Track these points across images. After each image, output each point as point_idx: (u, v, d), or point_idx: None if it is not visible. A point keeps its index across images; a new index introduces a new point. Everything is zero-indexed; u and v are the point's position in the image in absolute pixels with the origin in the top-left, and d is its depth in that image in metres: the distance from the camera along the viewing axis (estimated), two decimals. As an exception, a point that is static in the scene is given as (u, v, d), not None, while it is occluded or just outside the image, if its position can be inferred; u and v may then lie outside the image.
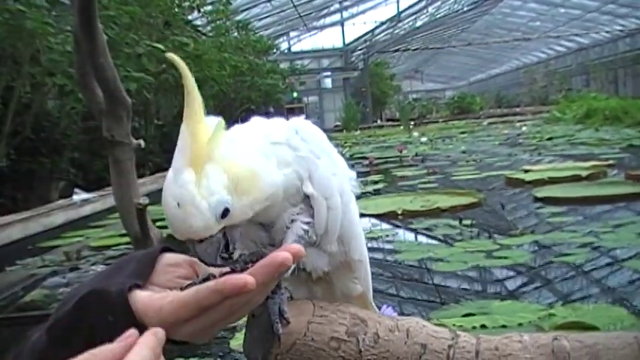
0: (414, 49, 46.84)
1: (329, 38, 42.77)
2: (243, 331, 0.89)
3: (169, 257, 0.84)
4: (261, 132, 0.87)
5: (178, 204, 0.75)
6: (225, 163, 0.77)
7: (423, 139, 19.41)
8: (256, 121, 0.91)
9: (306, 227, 0.88)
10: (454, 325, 3.31)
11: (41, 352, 0.75)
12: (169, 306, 0.71)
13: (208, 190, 0.75)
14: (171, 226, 0.77)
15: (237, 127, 0.87)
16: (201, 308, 0.69)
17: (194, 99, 0.77)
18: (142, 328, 0.71)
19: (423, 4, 39.88)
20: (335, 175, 0.92)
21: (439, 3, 40.46)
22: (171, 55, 0.80)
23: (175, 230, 0.77)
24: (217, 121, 0.79)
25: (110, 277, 0.78)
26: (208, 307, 0.69)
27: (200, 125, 0.77)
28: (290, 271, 0.84)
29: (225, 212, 0.76)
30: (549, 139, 16.01)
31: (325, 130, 0.98)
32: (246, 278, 0.66)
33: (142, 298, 0.73)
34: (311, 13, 36.84)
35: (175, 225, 0.76)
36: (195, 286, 0.72)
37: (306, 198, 0.89)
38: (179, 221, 0.75)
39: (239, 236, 0.82)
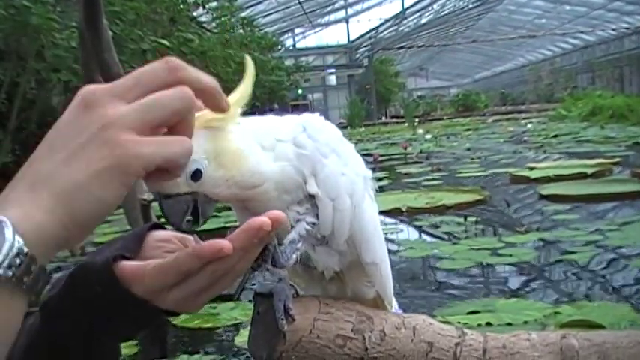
0: (419, 47, 46.85)
1: (334, 35, 42.88)
2: (248, 328, 0.88)
3: (159, 234, 0.86)
4: (269, 126, 0.85)
5: None
6: (218, 134, 0.76)
7: (428, 137, 19.36)
8: (270, 117, 0.88)
9: (309, 227, 0.85)
10: (459, 322, 3.31)
11: (37, 331, 0.78)
12: (152, 271, 0.72)
13: None
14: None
15: (253, 118, 0.85)
16: (181, 273, 0.71)
17: (243, 89, 0.78)
18: (129, 296, 0.73)
19: (428, 1, 39.84)
20: (344, 175, 0.87)
21: (444, 0, 40.40)
22: (247, 57, 0.81)
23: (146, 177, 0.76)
24: (237, 109, 0.78)
25: (98, 254, 0.80)
26: (188, 271, 0.70)
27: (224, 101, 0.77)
28: (298, 267, 0.83)
29: (197, 174, 0.75)
30: (554, 136, 15.98)
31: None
32: (222, 243, 0.68)
33: (126, 267, 0.75)
34: (316, 10, 36.84)
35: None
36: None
37: (312, 198, 0.85)
38: None
39: (211, 211, 0.80)
